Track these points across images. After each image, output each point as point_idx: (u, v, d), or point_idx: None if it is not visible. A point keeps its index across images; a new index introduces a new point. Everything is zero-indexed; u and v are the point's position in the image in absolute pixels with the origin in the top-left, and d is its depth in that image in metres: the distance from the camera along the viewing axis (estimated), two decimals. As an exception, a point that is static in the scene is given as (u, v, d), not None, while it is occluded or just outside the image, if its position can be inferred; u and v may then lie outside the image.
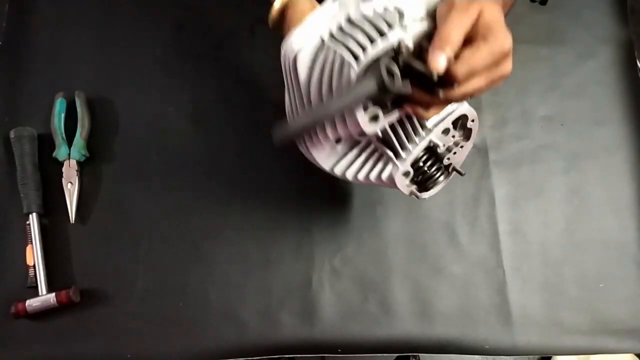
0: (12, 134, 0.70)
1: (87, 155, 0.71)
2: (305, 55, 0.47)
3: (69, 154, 0.70)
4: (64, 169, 0.70)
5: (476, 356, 0.66)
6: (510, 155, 0.71)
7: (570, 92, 0.73)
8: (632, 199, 0.69)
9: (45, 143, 0.71)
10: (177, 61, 0.76)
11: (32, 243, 0.67)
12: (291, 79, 0.51)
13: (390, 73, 0.42)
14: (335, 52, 0.45)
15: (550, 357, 1.17)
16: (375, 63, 0.44)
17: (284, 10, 0.56)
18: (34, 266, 0.66)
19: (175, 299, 0.66)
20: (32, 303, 0.64)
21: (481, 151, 0.71)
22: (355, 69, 0.44)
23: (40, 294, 0.65)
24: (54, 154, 0.70)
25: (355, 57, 0.44)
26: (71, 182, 0.69)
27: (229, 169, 0.71)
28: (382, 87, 0.42)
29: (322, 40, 0.46)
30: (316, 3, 0.55)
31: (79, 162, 0.70)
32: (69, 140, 0.71)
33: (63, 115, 0.72)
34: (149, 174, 0.71)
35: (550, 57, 0.74)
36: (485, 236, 0.68)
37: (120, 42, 0.77)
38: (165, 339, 0.65)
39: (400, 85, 0.42)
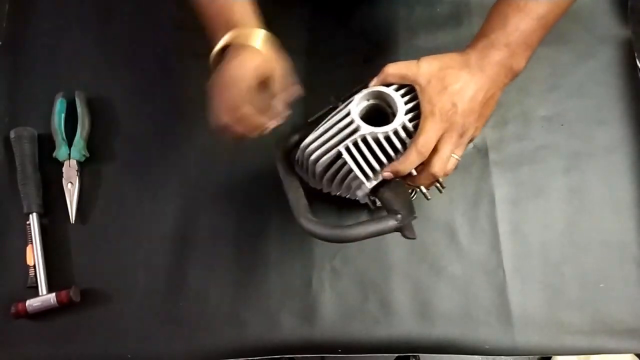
0: (12, 134, 0.70)
1: (87, 155, 0.71)
2: (324, 163, 0.55)
3: (69, 154, 0.70)
4: (64, 169, 0.70)
5: (476, 356, 0.66)
6: (510, 155, 0.71)
7: (570, 92, 0.73)
8: (632, 199, 0.69)
9: (45, 143, 0.72)
10: (177, 61, 0.76)
11: (32, 243, 0.67)
12: (307, 167, 0.58)
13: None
14: (350, 169, 0.53)
15: (550, 357, 1.17)
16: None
17: (227, 49, 0.56)
18: (34, 266, 0.66)
19: (175, 299, 0.66)
20: (32, 303, 0.64)
21: (481, 151, 0.71)
22: (367, 188, 0.54)
23: (40, 294, 0.65)
24: (54, 154, 0.70)
25: (366, 177, 0.53)
26: (71, 182, 0.69)
27: (229, 167, 0.71)
28: (399, 229, 0.51)
29: (339, 152, 0.53)
30: (263, 54, 0.55)
31: (79, 162, 0.70)
32: (69, 140, 0.71)
33: (63, 115, 0.72)
34: (149, 174, 0.71)
35: (550, 57, 0.74)
36: (485, 236, 0.68)
37: (120, 42, 0.77)
38: (165, 339, 0.65)
39: (413, 234, 0.52)
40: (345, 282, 0.67)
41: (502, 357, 0.98)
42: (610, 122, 0.72)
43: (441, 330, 0.65)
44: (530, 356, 1.19)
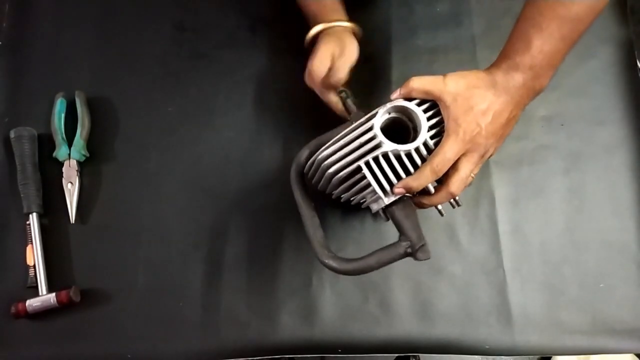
0: (12, 134, 0.70)
1: (87, 155, 0.71)
2: (342, 176, 0.55)
3: (69, 154, 0.70)
4: (64, 169, 0.70)
5: (476, 356, 0.66)
6: (510, 155, 0.71)
7: (570, 92, 0.73)
8: (632, 199, 0.69)
9: (45, 143, 0.72)
10: (177, 61, 0.76)
11: (32, 243, 0.67)
12: (321, 176, 0.57)
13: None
14: (369, 183, 0.53)
15: (550, 357, 1.17)
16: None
17: (318, 35, 0.66)
18: (34, 266, 0.66)
19: (175, 299, 0.66)
20: (32, 303, 0.64)
21: (481, 151, 0.71)
22: (384, 204, 0.53)
23: (40, 294, 0.65)
24: (54, 154, 0.70)
25: (385, 193, 0.53)
26: (71, 182, 0.69)
27: (229, 167, 0.71)
28: (410, 254, 0.52)
29: (359, 167, 0.53)
30: (347, 42, 0.64)
31: (79, 162, 0.70)
32: (69, 140, 0.71)
33: (63, 115, 0.72)
34: (149, 174, 0.71)
35: (551, 57, 0.74)
36: (485, 236, 0.68)
37: (120, 42, 0.77)
38: (165, 339, 0.65)
39: (426, 255, 0.52)
40: (345, 282, 0.67)
41: (502, 357, 0.98)
42: (610, 122, 0.72)
43: (441, 330, 0.65)
44: (530, 356, 1.19)
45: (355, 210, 0.68)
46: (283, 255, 0.68)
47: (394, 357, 1.03)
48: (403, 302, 0.66)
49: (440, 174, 0.52)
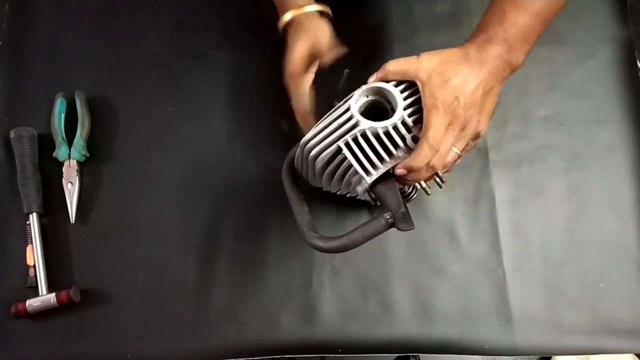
0: (12, 134, 0.70)
1: (87, 155, 0.71)
2: (324, 158, 0.55)
3: (69, 154, 0.70)
4: (64, 169, 0.70)
5: (476, 356, 0.66)
6: (510, 155, 0.71)
7: (570, 92, 0.73)
8: (632, 199, 0.69)
9: (45, 143, 0.72)
10: (177, 61, 0.76)
11: (32, 243, 0.67)
12: (307, 164, 0.58)
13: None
14: (350, 164, 0.53)
15: (550, 357, 1.17)
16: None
17: (289, 24, 0.65)
18: (34, 266, 0.66)
19: (175, 299, 0.66)
20: (32, 303, 0.64)
21: (481, 151, 0.71)
22: (367, 183, 0.53)
23: (40, 294, 0.65)
24: (54, 154, 0.70)
25: (366, 172, 0.53)
26: (71, 182, 0.69)
27: (229, 168, 0.71)
28: (392, 225, 0.51)
29: (339, 147, 0.53)
30: (322, 24, 0.64)
31: (79, 162, 0.70)
32: (69, 140, 0.71)
33: (63, 115, 0.72)
34: (149, 174, 0.71)
35: (550, 57, 0.74)
36: (485, 236, 0.68)
37: (120, 42, 0.77)
38: (165, 339, 0.65)
39: (409, 225, 0.51)
40: (345, 282, 0.67)
41: (502, 357, 0.98)
42: (610, 122, 0.72)
43: (441, 330, 0.65)
44: (530, 356, 1.19)
45: (350, 209, 0.68)
46: (283, 255, 0.68)
47: (394, 357, 1.03)
48: (403, 302, 0.66)
49: (438, 148, 0.52)
